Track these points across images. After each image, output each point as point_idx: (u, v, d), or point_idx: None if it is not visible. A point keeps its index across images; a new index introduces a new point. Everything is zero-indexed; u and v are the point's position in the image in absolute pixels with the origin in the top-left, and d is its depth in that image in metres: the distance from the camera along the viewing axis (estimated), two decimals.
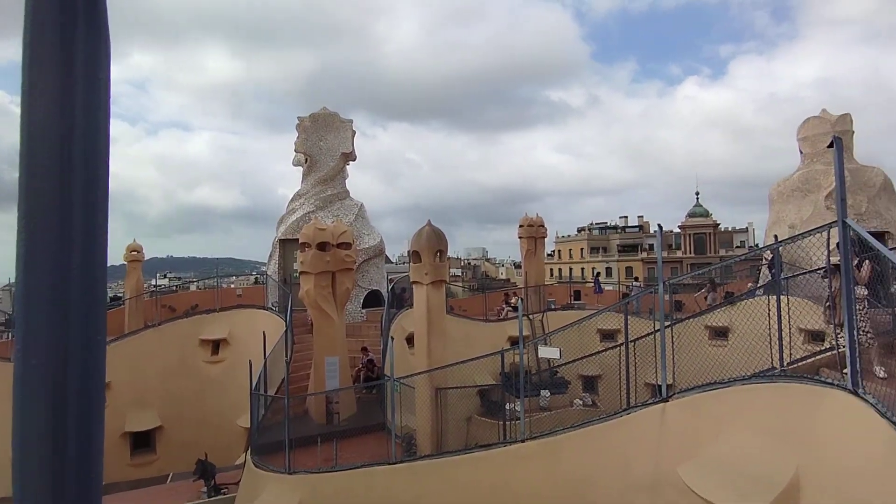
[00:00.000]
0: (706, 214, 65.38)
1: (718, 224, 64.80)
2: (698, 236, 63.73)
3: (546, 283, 25.99)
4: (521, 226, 23.00)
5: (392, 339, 11.01)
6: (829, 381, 4.49)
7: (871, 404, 3.72)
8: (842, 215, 3.94)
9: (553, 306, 21.96)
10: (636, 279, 46.23)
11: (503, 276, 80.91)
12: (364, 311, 19.25)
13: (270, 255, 20.28)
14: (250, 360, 10.81)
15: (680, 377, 8.62)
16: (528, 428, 7.85)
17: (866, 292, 7.25)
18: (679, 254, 63.85)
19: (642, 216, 78.36)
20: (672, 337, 7.11)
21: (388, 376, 10.24)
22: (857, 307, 6.83)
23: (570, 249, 77.42)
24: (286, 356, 13.01)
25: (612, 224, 79.48)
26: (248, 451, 10.72)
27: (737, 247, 63.26)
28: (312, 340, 14.07)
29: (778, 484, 4.32)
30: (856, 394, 3.92)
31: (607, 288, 28.81)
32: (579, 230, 79.55)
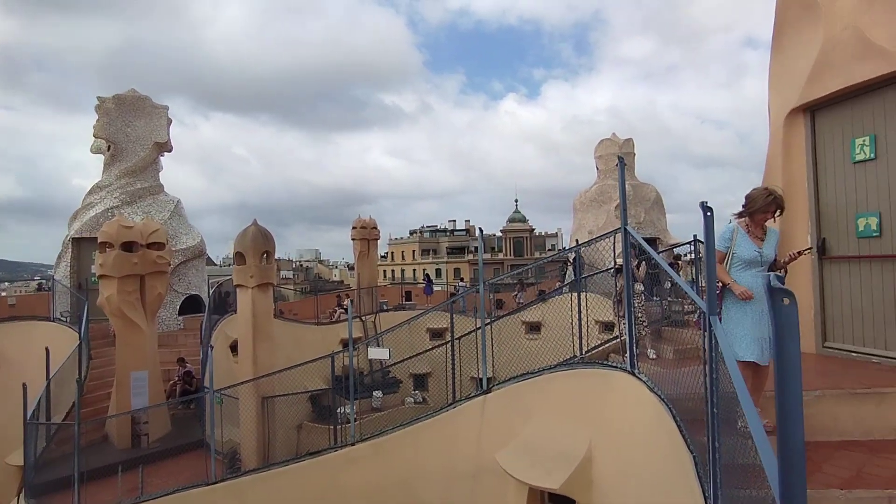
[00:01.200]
0: (524, 220, 72.27)
1: (534, 229, 72.06)
2: (517, 240, 70.12)
3: (379, 284, 26.22)
4: (354, 227, 22.93)
5: (212, 347, 10.13)
6: (614, 364, 5.30)
7: (644, 382, 4.47)
8: (623, 223, 4.69)
9: (385, 307, 22.26)
10: (462, 279, 49.01)
11: (337, 278, 79.66)
12: (181, 318, 17.40)
13: (60, 257, 17.17)
14: (24, 384, 9.04)
15: (501, 370, 9.39)
16: (358, 430, 7.86)
17: (643, 288, 8.70)
18: (501, 256, 69.45)
19: (469, 220, 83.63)
20: (489, 333, 7.72)
21: (208, 388, 9.41)
22: (636, 301, 8.18)
23: (402, 251, 79.20)
24: (79, 375, 11.16)
25: (442, 227, 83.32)
26: (22, 494, 8.97)
27: (549, 249, 70.91)
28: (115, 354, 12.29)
29: (575, 457, 4.97)
30: (633, 374, 4.68)
31: (437, 288, 30.11)
32: (411, 233, 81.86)
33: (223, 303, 16.50)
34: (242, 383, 10.37)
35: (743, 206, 3.98)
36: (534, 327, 15.67)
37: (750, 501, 2.33)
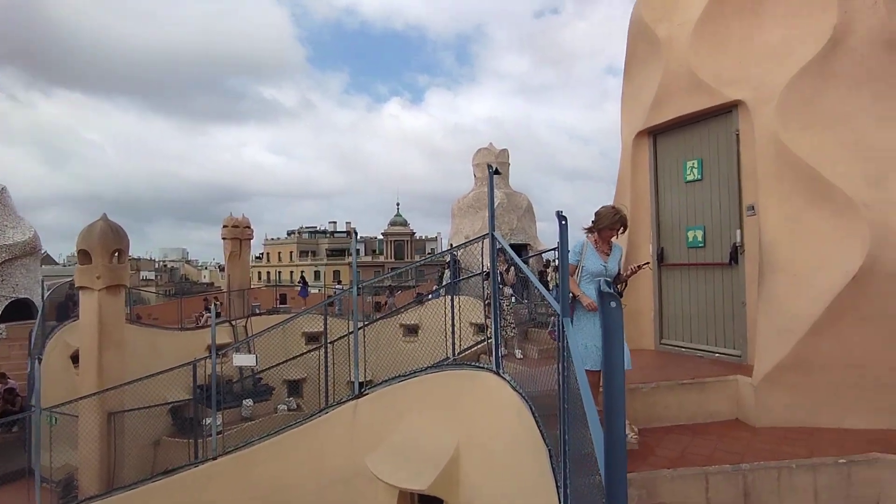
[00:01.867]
0: (405, 223, 72.90)
1: (415, 233, 72.95)
2: (398, 243, 70.51)
3: (252, 286, 24.82)
4: (225, 226, 21.49)
5: (40, 359, 8.86)
6: (482, 365, 5.53)
7: (508, 381, 4.71)
8: (491, 229, 4.93)
9: (258, 311, 21.13)
10: (340, 282, 48.14)
11: (206, 280, 73.85)
12: (3, 325, 15.00)
13: None
14: None
15: (380, 373, 9.34)
16: (222, 443, 7.35)
17: (512, 292, 9.19)
18: (382, 258, 69.30)
19: (350, 222, 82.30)
20: (364, 336, 7.67)
21: (35, 406, 8.21)
22: (506, 304, 8.62)
23: (279, 252, 75.79)
24: None
25: (322, 229, 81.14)
26: None
27: (428, 253, 72.22)
28: None
29: (443, 458, 5.10)
30: (498, 374, 4.91)
31: (314, 291, 29.24)
32: (290, 233, 78.66)
33: (63, 308, 14.53)
34: (83, 398, 9.20)
35: (592, 222, 4.22)
36: (411, 330, 15.81)
37: (592, 487, 2.56)
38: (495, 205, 19.09)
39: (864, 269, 4.30)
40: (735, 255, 5.32)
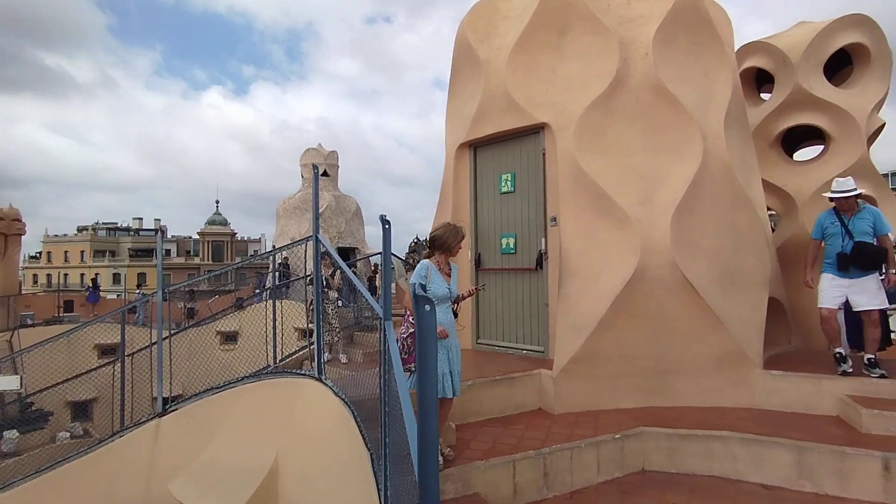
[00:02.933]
0: (225, 223, 67.28)
1: (236, 233, 67.77)
2: (217, 244, 64.76)
3: (26, 291, 20.67)
4: None
5: None
6: (304, 372, 5.35)
7: (330, 387, 4.62)
8: (315, 231, 4.80)
9: (31, 321, 17.67)
10: (141, 286, 42.67)
11: None
12: None
13: None
14: None
15: (192, 386, 8.42)
16: None
17: (337, 295, 9.07)
18: (197, 260, 63.02)
19: (160, 219, 73.44)
20: (174, 346, 6.89)
21: None
22: (331, 308, 8.47)
23: (66, 251, 64.40)
24: None
25: (125, 225, 71.07)
26: None
27: (250, 255, 67.72)
28: None
29: (261, 472, 4.80)
30: (320, 380, 4.79)
31: (110, 297, 25.42)
32: (80, 229, 67.29)
33: None
34: None
35: (431, 245, 4.09)
36: (230, 337, 14.66)
37: (409, 486, 2.62)
38: (323, 208, 18.74)
39: (636, 274, 5.14)
40: (540, 261, 5.95)
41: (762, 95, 8.10)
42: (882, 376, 4.90)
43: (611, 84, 5.48)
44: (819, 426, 4.76)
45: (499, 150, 6.41)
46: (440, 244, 4.03)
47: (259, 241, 70.87)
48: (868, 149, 7.07)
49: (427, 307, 1.65)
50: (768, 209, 7.50)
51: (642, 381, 5.40)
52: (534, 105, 5.85)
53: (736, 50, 7.50)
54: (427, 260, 4.06)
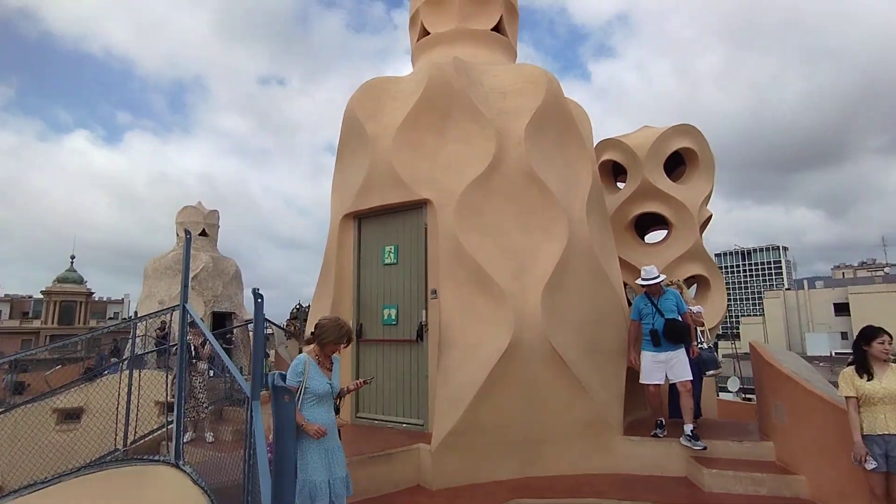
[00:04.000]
0: (80, 281, 59.65)
1: (93, 293, 60.28)
2: (67, 304, 56.90)
3: None
4: None
5: None
6: (157, 458, 4.78)
7: (188, 474, 4.17)
8: (183, 300, 4.47)
9: None
10: None
11: None
12: None
13: None
14: None
15: (13, 478, 7.07)
16: None
17: (209, 365, 8.37)
18: (37, 324, 54.77)
19: None
20: None
21: None
22: (199, 380, 7.77)
23: None
24: None
25: None
26: None
27: (109, 318, 60.50)
28: None
29: None
30: (177, 466, 4.31)
31: None
32: None
33: None
34: None
35: (313, 333, 3.80)
36: (72, 415, 12.70)
37: None
38: (199, 269, 17.55)
39: (511, 345, 5.39)
40: (421, 332, 6.02)
41: (618, 184, 9.21)
42: (703, 449, 5.32)
43: (488, 167, 5.92)
44: (669, 487, 5.17)
45: (383, 223, 6.56)
46: (320, 334, 3.68)
47: (122, 301, 63.79)
48: (700, 235, 8.25)
49: (286, 397, 1.61)
50: (625, 284, 8.35)
51: (517, 451, 5.53)
52: (417, 182, 6.12)
53: (595, 144, 8.54)
54: (304, 354, 3.68)
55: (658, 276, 5.89)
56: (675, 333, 5.70)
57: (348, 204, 6.72)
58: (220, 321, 17.64)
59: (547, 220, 5.93)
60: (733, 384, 17.99)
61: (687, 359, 5.73)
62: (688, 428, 5.48)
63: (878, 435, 3.98)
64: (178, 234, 18.86)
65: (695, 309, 6.54)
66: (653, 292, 5.92)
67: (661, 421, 5.83)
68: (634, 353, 5.95)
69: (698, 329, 6.38)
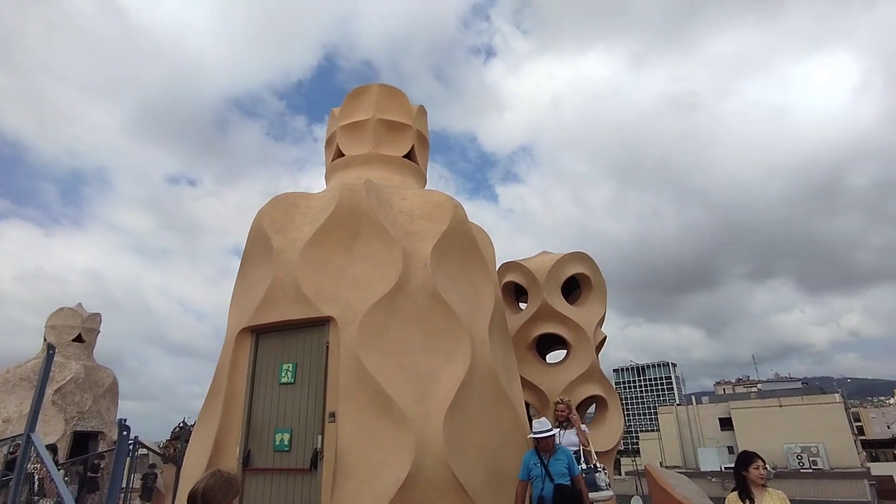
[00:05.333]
0: None
1: None
2: None
3: None
4: None
5: None
6: None
7: None
8: (30, 428, 3.84)
9: None
10: None
11: None
12: None
13: None
14: None
15: None
16: None
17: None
18: None
19: None
20: None
21: None
22: None
23: None
24: None
25: None
26: None
27: None
28: None
29: None
30: None
31: None
32: None
33: None
34: None
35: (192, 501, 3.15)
36: None
37: None
38: (66, 380, 15.42)
39: (411, 475, 5.10)
40: (315, 460, 5.56)
41: (520, 305, 9.62)
42: None
43: (394, 287, 5.98)
44: None
45: (282, 339, 6.26)
46: (206, 501, 3.05)
47: None
48: (597, 356, 8.66)
49: None
50: (527, 404, 8.41)
51: None
52: (321, 298, 6.01)
53: (499, 266, 8.99)
54: None
55: (550, 430, 5.48)
56: (566, 502, 5.22)
57: (247, 317, 6.40)
58: (83, 443, 15.27)
59: (451, 342, 5.98)
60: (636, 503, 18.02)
61: None
62: None
63: None
64: (45, 339, 16.73)
65: (583, 427, 6.52)
66: (544, 448, 5.46)
67: None
68: None
69: (582, 449, 6.23)
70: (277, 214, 6.84)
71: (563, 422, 6.29)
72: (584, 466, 6.05)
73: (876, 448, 53.39)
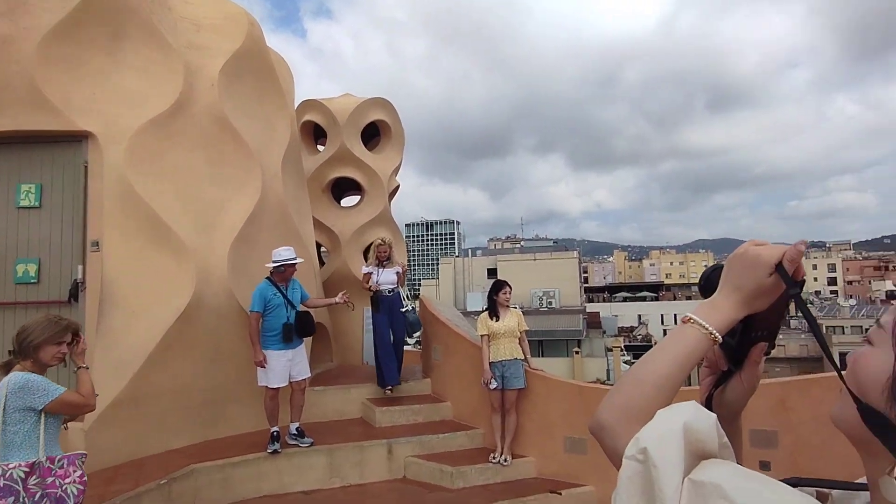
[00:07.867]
0: None
1: None
2: None
3: None
4: None
5: None
6: None
7: None
8: None
9: None
10: None
11: None
12: None
13: None
14: None
15: None
16: None
17: None
18: None
19: None
20: None
21: None
22: None
23: None
24: None
25: None
26: None
27: None
28: None
29: None
30: None
31: None
32: None
33: None
34: None
35: (11, 352, 2.95)
36: None
37: None
38: None
39: (192, 304, 4.98)
40: (76, 292, 5.01)
41: (318, 147, 9.35)
42: (311, 444, 5.11)
43: (173, 105, 5.23)
44: (348, 428, 5.69)
45: (19, 154, 5.13)
46: (23, 345, 2.85)
47: None
48: (389, 203, 9.09)
49: None
50: (320, 245, 8.62)
51: (198, 415, 5.22)
52: (75, 109, 4.97)
53: (298, 104, 8.44)
54: None
55: (295, 258, 5.19)
56: (308, 327, 5.22)
57: None
58: None
59: (239, 172, 5.63)
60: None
61: (305, 356, 5.32)
62: (293, 426, 5.27)
63: (499, 361, 5.18)
64: None
65: (400, 269, 6.42)
66: (283, 279, 5.18)
67: (277, 432, 5.10)
68: (262, 354, 4.96)
69: (401, 293, 6.40)
70: None
71: (383, 261, 6.32)
72: (408, 307, 6.29)
73: (593, 293, 68.97)
